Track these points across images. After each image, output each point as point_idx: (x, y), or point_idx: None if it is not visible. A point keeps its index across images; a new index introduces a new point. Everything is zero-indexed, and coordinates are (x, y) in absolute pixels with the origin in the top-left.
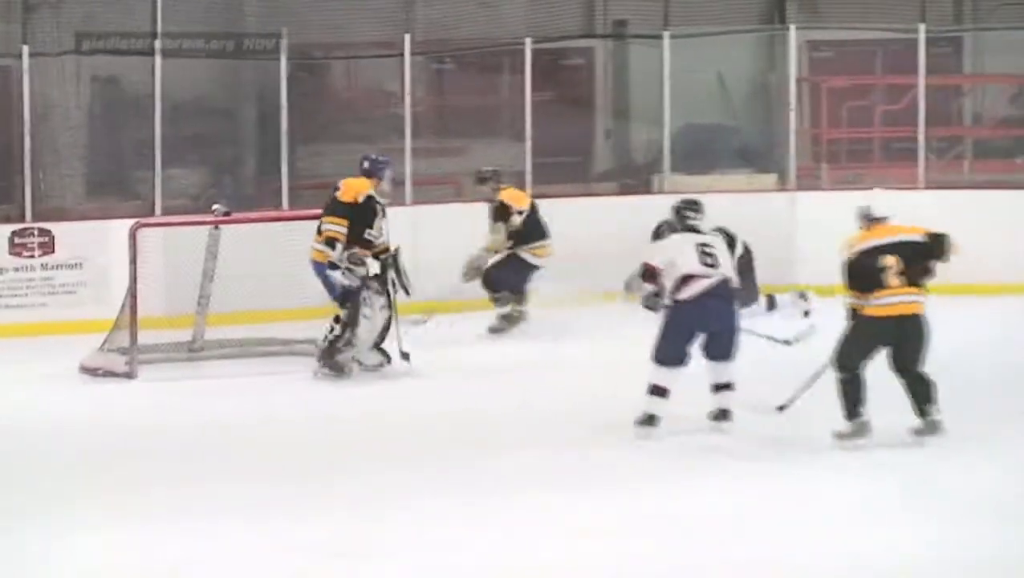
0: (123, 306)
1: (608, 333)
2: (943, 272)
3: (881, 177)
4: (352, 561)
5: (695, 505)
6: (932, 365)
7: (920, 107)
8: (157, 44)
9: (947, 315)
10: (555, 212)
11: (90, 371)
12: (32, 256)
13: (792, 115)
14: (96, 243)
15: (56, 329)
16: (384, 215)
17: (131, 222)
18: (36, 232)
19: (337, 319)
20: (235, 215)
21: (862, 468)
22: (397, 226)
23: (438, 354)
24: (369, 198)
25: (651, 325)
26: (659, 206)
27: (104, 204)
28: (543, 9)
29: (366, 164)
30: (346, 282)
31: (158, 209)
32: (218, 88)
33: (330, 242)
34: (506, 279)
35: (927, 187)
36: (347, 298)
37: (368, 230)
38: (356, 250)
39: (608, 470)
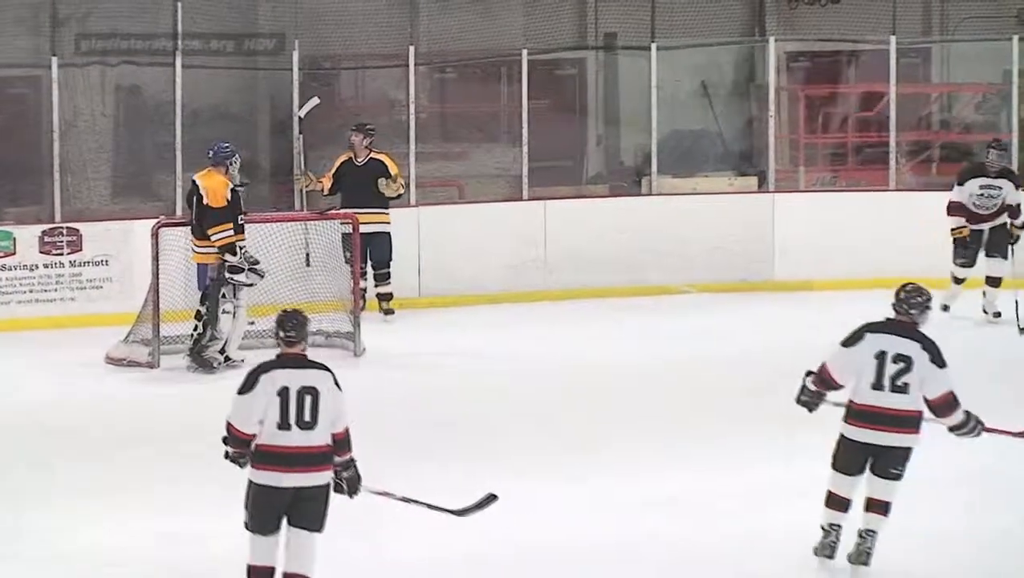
0: (146, 300)
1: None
2: (909, 268)
3: (854, 179)
4: (353, 541)
5: (669, 489)
6: None
7: (891, 114)
8: (177, 56)
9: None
10: (550, 212)
11: (115, 361)
12: (61, 254)
13: (771, 121)
14: (121, 242)
15: (84, 322)
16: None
17: (153, 222)
18: (65, 231)
19: (199, 316)
20: (251, 215)
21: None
22: (403, 225)
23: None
24: (232, 191)
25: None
26: (648, 206)
27: (128, 205)
28: (538, 22)
29: (211, 153)
30: (248, 281)
31: (179, 210)
32: (234, 96)
33: (229, 249)
34: None
35: (897, 189)
36: (206, 296)
37: (241, 216)
38: (245, 249)
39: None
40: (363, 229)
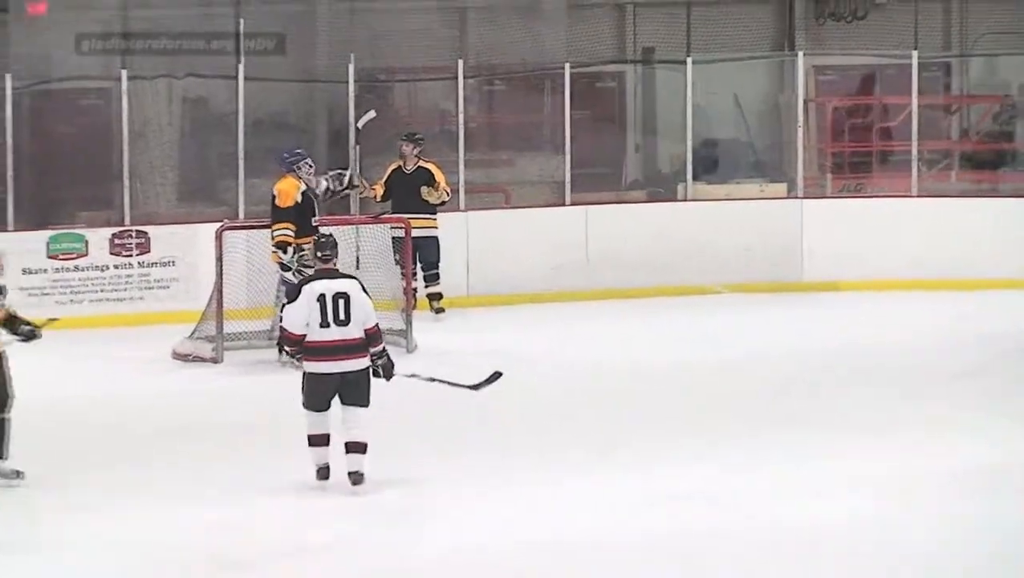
0: (210, 299)
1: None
2: (931, 271)
3: (878, 186)
4: (409, 528)
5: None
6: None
7: (913, 124)
8: (240, 68)
9: (940, 307)
10: (591, 217)
11: (181, 357)
12: (130, 255)
13: (800, 131)
14: (187, 244)
15: (151, 320)
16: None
17: (217, 225)
18: (134, 234)
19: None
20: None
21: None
22: (453, 229)
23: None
24: (303, 194)
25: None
26: (683, 212)
27: (193, 209)
28: (580, 37)
29: (282, 164)
30: (295, 281)
31: (241, 213)
32: (294, 108)
33: (282, 246)
34: None
35: (919, 195)
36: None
37: (313, 218)
38: (306, 251)
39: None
40: (413, 234)
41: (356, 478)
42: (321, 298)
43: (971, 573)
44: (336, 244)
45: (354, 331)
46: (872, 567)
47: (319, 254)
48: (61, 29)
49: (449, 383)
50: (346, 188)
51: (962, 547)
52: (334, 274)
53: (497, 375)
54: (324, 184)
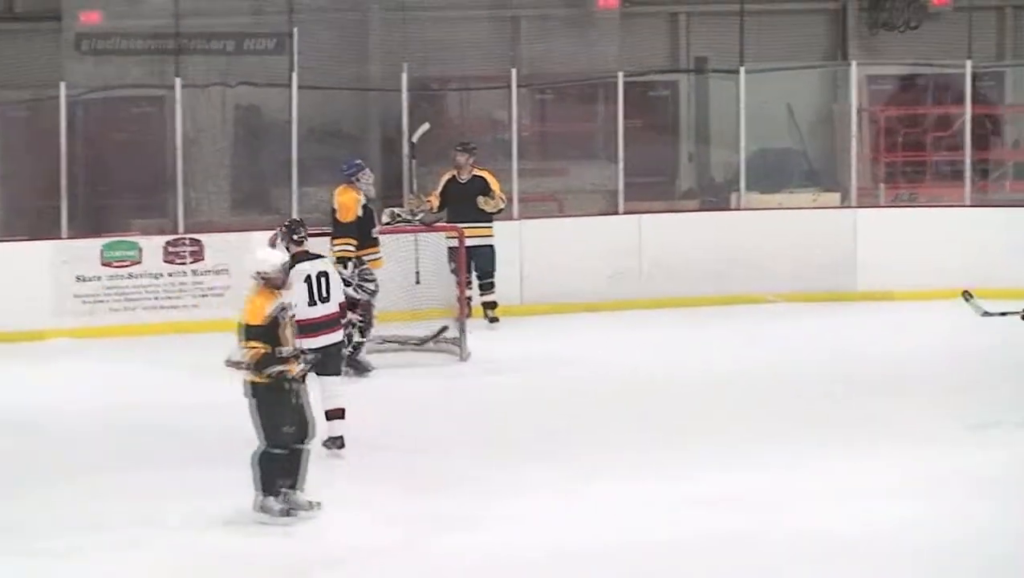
0: None
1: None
2: (985, 279)
3: (932, 196)
4: (453, 533)
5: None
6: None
7: (966, 133)
8: (294, 77)
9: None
10: (644, 225)
11: (235, 364)
12: (184, 263)
13: (853, 141)
14: (240, 251)
15: (206, 327)
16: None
17: (271, 233)
18: (188, 242)
19: (351, 324)
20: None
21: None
22: (506, 238)
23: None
24: (364, 207)
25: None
26: (736, 220)
27: (247, 217)
28: (633, 47)
29: (341, 175)
30: (357, 296)
31: None
32: (347, 116)
33: (342, 261)
34: None
35: (972, 204)
36: (357, 304)
37: (373, 230)
38: (366, 264)
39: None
40: (468, 242)
41: (339, 443)
42: (308, 279)
43: (988, 573)
44: (306, 225)
45: (333, 306)
46: (891, 568)
47: (294, 237)
48: (114, 38)
49: (413, 347)
50: (412, 217)
51: (979, 548)
52: (311, 255)
53: (444, 328)
54: (386, 220)
